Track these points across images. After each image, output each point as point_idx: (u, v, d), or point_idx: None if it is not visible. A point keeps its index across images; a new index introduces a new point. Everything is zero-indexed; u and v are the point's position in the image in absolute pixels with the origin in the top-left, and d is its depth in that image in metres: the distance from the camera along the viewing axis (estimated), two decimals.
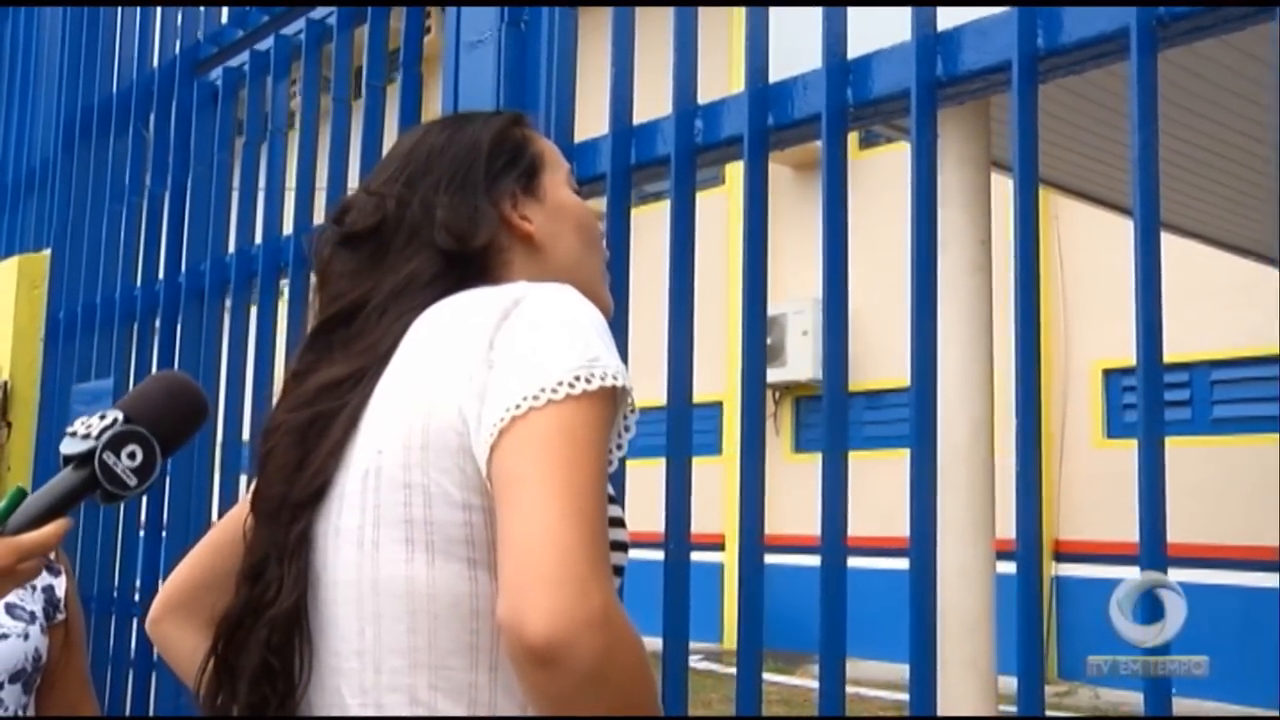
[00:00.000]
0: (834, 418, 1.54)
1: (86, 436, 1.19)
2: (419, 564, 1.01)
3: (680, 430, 1.70)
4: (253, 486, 1.22)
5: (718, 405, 11.50)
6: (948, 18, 1.50)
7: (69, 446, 1.20)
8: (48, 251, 3.43)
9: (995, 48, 1.41)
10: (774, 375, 11.16)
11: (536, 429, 0.94)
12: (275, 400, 1.21)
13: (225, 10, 2.84)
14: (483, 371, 1.01)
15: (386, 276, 1.15)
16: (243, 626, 1.09)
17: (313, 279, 1.28)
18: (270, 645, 1.07)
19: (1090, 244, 9.18)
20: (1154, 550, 1.20)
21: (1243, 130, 5.06)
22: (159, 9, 3.10)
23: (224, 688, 1.11)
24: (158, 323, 2.86)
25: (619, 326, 1.77)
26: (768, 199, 1.67)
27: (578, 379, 0.96)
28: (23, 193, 3.85)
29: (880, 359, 9.00)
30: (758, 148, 1.66)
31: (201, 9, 2.92)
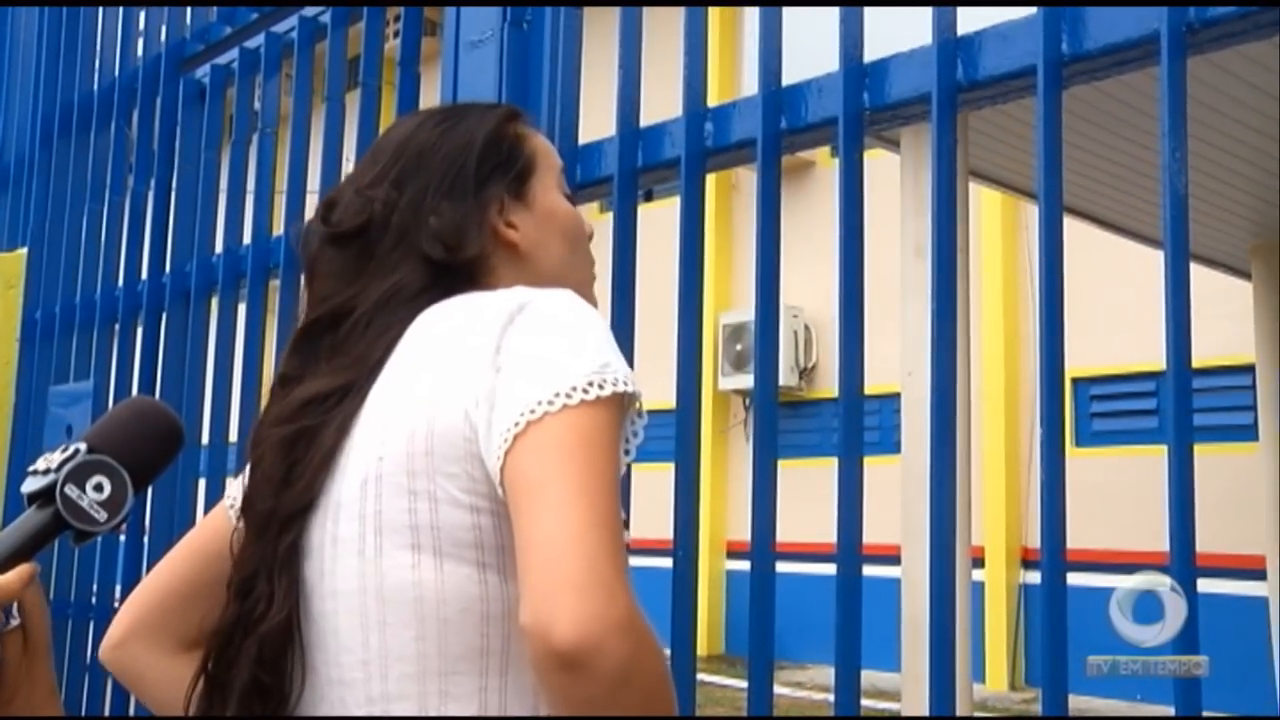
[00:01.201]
0: (850, 424, 1.52)
1: (46, 471, 1.10)
2: (426, 569, 1.00)
3: (687, 435, 1.68)
4: (229, 498, 1.21)
5: None
6: (966, 23, 1.49)
7: (29, 485, 1.11)
8: (23, 250, 3.36)
9: (1018, 52, 1.40)
10: (745, 382, 11.18)
11: (552, 434, 0.94)
12: (264, 404, 1.18)
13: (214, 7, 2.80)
14: (490, 376, 1.00)
15: (372, 282, 1.13)
16: (233, 642, 1.07)
17: (304, 277, 1.25)
18: (261, 661, 1.05)
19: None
20: (1183, 559, 1.20)
21: (1219, 145, 5.11)
22: (143, 5, 3.04)
23: (215, 706, 1.08)
24: (140, 324, 2.81)
25: (625, 329, 1.75)
26: (780, 205, 1.65)
27: (591, 384, 0.96)
28: None
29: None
30: (771, 152, 1.64)
31: (189, 6, 2.87)
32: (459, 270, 1.14)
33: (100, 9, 3.23)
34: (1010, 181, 5.95)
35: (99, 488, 1.10)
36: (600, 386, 0.96)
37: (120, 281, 2.92)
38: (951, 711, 1.39)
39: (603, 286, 1.75)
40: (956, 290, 1.44)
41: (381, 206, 1.15)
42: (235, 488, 1.22)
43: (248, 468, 1.17)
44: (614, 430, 0.97)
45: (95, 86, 3.17)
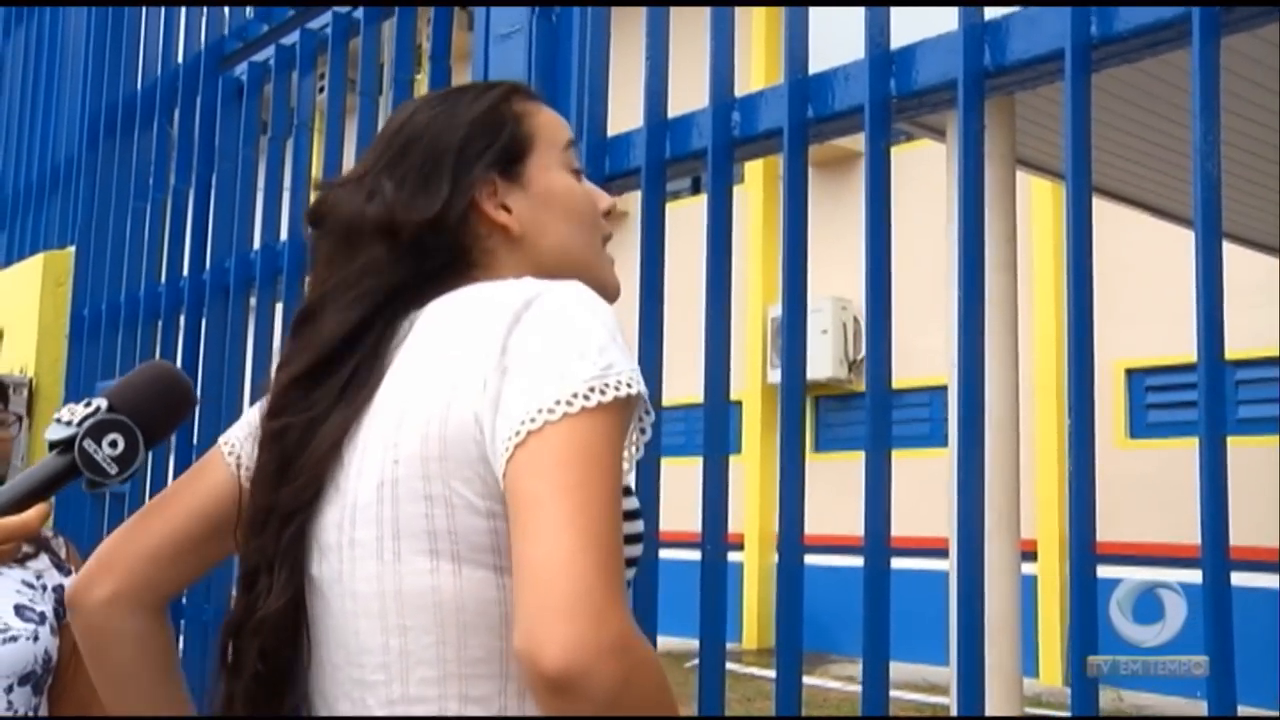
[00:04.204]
0: (877, 417, 1.50)
1: (69, 423, 1.20)
2: (445, 574, 1.00)
3: (716, 429, 1.67)
4: (225, 444, 1.22)
5: (736, 405, 11.48)
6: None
7: (52, 432, 1.21)
8: (72, 249, 3.41)
9: (1046, 36, 1.38)
10: None
11: (550, 445, 0.93)
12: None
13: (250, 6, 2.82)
14: (496, 378, 0.99)
15: (352, 270, 1.13)
16: (242, 634, 1.08)
17: None
18: (263, 650, 1.06)
19: (1112, 242, 9.09)
20: (1216, 553, 1.17)
21: (1262, 121, 4.97)
22: (184, 5, 3.08)
23: (228, 696, 1.10)
24: (182, 320, 2.84)
25: (653, 320, 1.74)
26: (807, 194, 1.64)
27: (593, 390, 0.94)
28: (47, 190, 3.84)
29: (897, 358, 8.94)
30: (798, 141, 1.62)
31: (226, 5, 2.90)
32: (444, 254, 1.13)
33: (144, 10, 3.27)
34: (1059, 170, 5.86)
35: (114, 444, 1.20)
36: (602, 392, 0.94)
37: (163, 278, 2.96)
38: (980, 708, 1.36)
39: (631, 277, 1.74)
40: (983, 279, 1.42)
41: (365, 195, 1.14)
42: (232, 432, 1.23)
43: (245, 415, 1.20)
44: (616, 437, 0.96)
45: (139, 86, 3.22)
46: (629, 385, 0.96)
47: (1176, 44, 1.29)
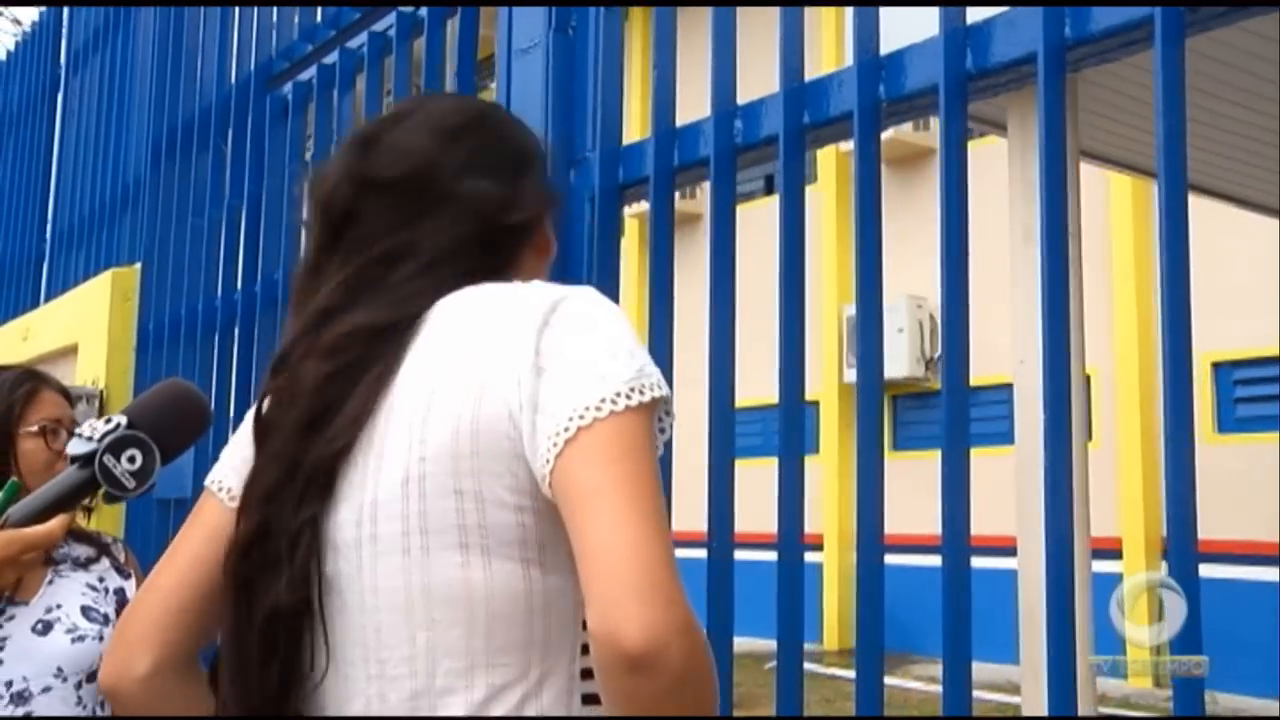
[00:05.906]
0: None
1: (90, 439, 1.26)
2: (475, 567, 1.03)
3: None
4: (215, 484, 1.20)
5: (814, 405, 11.39)
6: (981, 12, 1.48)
7: (74, 447, 1.27)
8: (139, 265, 3.55)
9: (1024, 39, 1.39)
10: None
11: (602, 441, 0.98)
12: (293, 324, 1.16)
13: (297, 19, 2.91)
14: (531, 377, 1.02)
15: (428, 235, 1.14)
16: (249, 556, 1.08)
17: (307, 198, 1.22)
18: (274, 642, 1.07)
19: (1194, 234, 8.87)
20: (1183, 548, 1.17)
21: (1259, 73, 4.78)
22: (236, 25, 3.19)
23: (241, 623, 1.09)
24: (236, 331, 2.94)
25: (662, 323, 1.78)
26: (804, 197, 1.66)
27: (633, 390, 1.00)
28: (117, 209, 4.00)
29: (975, 355, 8.80)
30: (794, 146, 1.65)
31: (274, 24, 3.00)
32: (504, 244, 1.17)
33: (201, 31, 3.39)
34: (1127, 161, 5.74)
35: (132, 459, 1.27)
36: (641, 392, 1.00)
37: (219, 291, 3.07)
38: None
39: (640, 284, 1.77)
40: (967, 276, 1.43)
41: (439, 157, 1.16)
42: (217, 472, 1.21)
43: (224, 454, 1.20)
44: (652, 434, 1.01)
45: (196, 108, 3.34)
46: (659, 387, 1.02)
47: (1148, 44, 1.29)
